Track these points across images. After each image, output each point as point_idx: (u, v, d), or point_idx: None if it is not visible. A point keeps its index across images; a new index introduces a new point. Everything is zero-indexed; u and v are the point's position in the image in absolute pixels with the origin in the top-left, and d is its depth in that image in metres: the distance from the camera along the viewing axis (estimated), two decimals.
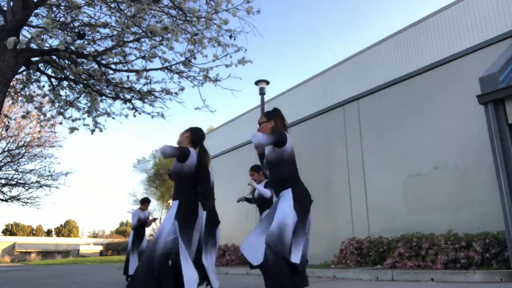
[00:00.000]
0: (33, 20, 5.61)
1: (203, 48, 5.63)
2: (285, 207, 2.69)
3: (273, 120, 3.02)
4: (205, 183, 3.27)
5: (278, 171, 2.86)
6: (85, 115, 6.50)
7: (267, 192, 4.96)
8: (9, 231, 60.56)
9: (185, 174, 3.27)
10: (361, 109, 10.05)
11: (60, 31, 5.58)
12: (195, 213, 3.21)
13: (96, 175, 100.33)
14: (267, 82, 11.11)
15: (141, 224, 7.53)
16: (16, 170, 16.56)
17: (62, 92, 6.33)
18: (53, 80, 6.05)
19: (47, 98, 6.47)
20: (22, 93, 6.34)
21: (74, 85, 6.23)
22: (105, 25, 5.51)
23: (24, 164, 16.90)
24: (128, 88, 6.11)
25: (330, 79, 11.26)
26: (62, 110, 6.41)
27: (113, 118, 6.53)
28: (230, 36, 5.44)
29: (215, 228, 4.90)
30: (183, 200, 3.22)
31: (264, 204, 5.15)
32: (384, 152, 9.21)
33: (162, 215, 32.11)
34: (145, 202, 7.77)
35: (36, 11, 5.36)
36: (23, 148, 16.52)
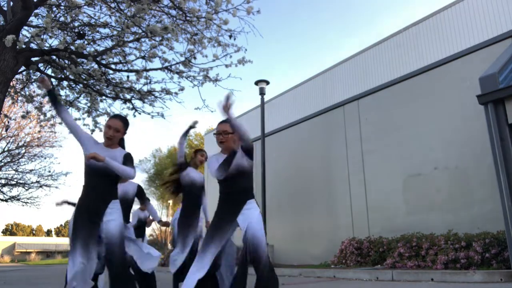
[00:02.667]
0: (33, 20, 5.62)
1: (203, 48, 5.64)
2: (258, 216, 2.81)
3: (235, 133, 2.94)
4: None
5: (248, 181, 2.95)
6: (85, 115, 6.51)
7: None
8: (9, 231, 60.57)
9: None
10: (361, 109, 10.05)
11: (60, 31, 5.58)
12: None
13: None
14: (267, 82, 11.11)
15: (141, 224, 7.51)
16: (16, 170, 16.58)
17: (62, 92, 6.34)
18: (53, 80, 6.05)
19: (47, 98, 6.47)
20: (22, 93, 6.35)
21: (74, 85, 6.23)
22: (105, 25, 5.52)
23: (24, 164, 16.94)
24: (128, 88, 6.12)
25: (330, 79, 11.25)
26: None
27: None
28: (230, 36, 5.45)
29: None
30: None
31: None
32: (384, 152, 9.21)
33: (161, 215, 32.13)
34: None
35: (36, 11, 5.37)
36: (23, 148, 16.53)
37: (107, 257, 2.80)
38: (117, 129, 3.00)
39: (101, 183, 2.92)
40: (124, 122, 3.09)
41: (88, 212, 2.83)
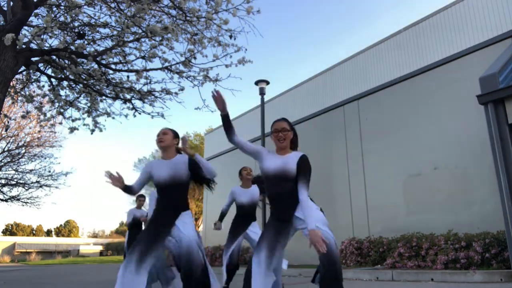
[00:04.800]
0: (33, 20, 5.62)
1: (203, 48, 5.64)
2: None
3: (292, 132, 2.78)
4: None
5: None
6: (85, 115, 6.51)
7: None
8: (9, 231, 60.54)
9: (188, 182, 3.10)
10: (361, 109, 10.05)
11: (60, 31, 5.58)
12: None
13: (96, 175, 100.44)
14: (267, 82, 11.10)
15: (137, 223, 7.38)
16: (16, 170, 16.57)
17: (62, 92, 6.34)
18: (53, 80, 6.06)
19: (47, 98, 6.47)
20: (22, 93, 6.34)
21: (74, 85, 6.23)
22: (105, 25, 5.51)
23: (24, 164, 16.92)
24: (128, 88, 6.12)
25: (330, 79, 11.26)
26: (62, 110, 6.41)
27: (113, 118, 6.54)
28: (230, 36, 5.44)
29: None
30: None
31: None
32: (384, 152, 9.21)
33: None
34: (139, 197, 7.54)
35: (36, 11, 5.37)
36: (23, 148, 16.52)
37: (186, 259, 2.76)
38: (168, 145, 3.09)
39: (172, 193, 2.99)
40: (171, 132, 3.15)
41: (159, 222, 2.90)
